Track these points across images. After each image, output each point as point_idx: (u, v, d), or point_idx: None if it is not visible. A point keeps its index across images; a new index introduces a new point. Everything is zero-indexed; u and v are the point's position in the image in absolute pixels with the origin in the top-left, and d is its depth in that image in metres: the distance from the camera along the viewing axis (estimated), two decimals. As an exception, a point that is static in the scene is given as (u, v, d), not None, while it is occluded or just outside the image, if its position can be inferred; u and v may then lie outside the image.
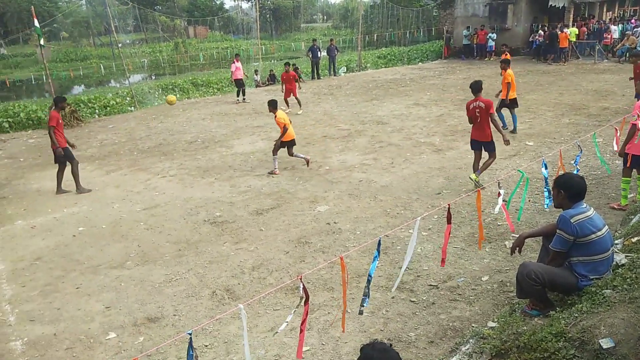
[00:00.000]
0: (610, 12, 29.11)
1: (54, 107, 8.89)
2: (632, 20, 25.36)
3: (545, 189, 3.77)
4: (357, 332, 4.47)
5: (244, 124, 13.86)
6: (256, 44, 25.75)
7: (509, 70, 10.85)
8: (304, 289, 2.65)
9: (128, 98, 18.03)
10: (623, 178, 6.57)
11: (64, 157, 8.81)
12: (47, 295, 5.58)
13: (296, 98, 15.26)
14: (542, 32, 24.01)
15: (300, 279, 2.63)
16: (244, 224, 7.09)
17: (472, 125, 7.86)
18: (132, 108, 17.57)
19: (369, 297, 3.58)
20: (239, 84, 17.61)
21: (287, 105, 15.30)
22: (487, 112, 7.55)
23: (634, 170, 6.49)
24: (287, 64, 15.96)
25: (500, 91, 11.17)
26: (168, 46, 37.86)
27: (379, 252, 3.15)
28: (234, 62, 17.80)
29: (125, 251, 6.52)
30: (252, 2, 50.44)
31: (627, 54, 21.52)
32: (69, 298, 5.47)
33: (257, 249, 6.30)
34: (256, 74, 22.27)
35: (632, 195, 6.63)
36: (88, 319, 5.05)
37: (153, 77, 26.86)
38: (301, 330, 2.96)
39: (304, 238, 6.49)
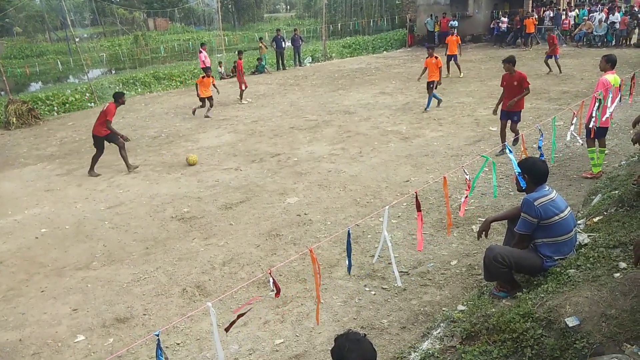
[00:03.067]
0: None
1: (113, 101, 9.34)
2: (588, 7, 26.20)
3: (517, 172, 3.84)
4: (330, 321, 4.48)
5: (209, 117, 13.64)
6: (219, 35, 25.29)
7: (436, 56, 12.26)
8: (274, 282, 2.63)
9: (88, 94, 17.46)
10: (588, 149, 6.93)
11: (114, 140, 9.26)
12: (10, 300, 5.38)
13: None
14: (505, 19, 24.46)
15: (270, 273, 2.61)
16: (212, 219, 7.00)
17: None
18: (92, 104, 17.03)
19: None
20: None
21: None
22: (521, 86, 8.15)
23: (597, 140, 6.89)
24: (239, 51, 16.75)
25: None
26: (127, 39, 36.76)
27: (349, 243, 3.15)
28: (201, 52, 18.10)
29: (91, 251, 6.35)
30: (213, -7, 49.56)
31: (585, 39, 22.23)
32: (33, 302, 5.30)
33: (227, 243, 6.24)
34: (220, 66, 21.94)
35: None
36: (55, 322, 4.90)
37: (113, 72, 26.04)
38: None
39: (275, 231, 6.46)
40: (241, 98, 15.59)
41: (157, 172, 9.30)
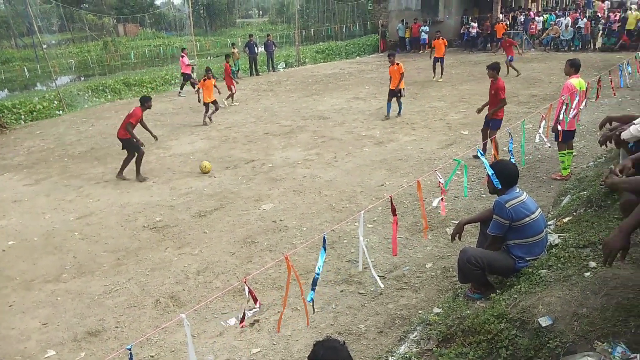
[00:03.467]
0: (535, 4, 30.68)
1: (140, 105, 9.24)
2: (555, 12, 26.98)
3: (491, 173, 3.89)
4: (307, 329, 4.45)
5: (181, 124, 13.48)
6: (190, 40, 25.03)
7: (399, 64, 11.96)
8: (250, 291, 2.59)
9: (56, 102, 17.04)
10: (559, 152, 7.11)
11: (134, 147, 9.13)
12: (-26, 317, 5.18)
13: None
14: (475, 25, 24.91)
15: (245, 282, 2.57)
16: (186, 228, 6.89)
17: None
18: (61, 112, 16.63)
19: (314, 292, 3.56)
20: (187, 77, 18.22)
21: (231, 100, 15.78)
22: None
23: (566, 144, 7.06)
24: (227, 55, 16.57)
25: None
26: (96, 45, 36.05)
27: (324, 248, 3.13)
28: (182, 56, 18.32)
29: (60, 263, 6.17)
30: (184, -2, 49.14)
31: (552, 43, 22.84)
32: (1, 317, 5.11)
33: (201, 252, 6.15)
34: (192, 72, 21.72)
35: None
36: (24, 337, 4.74)
37: (82, 79, 25.51)
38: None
39: (250, 238, 6.40)
40: (232, 100, 15.74)
41: (128, 180, 9.11)
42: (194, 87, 17.26)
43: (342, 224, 6.21)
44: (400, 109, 12.34)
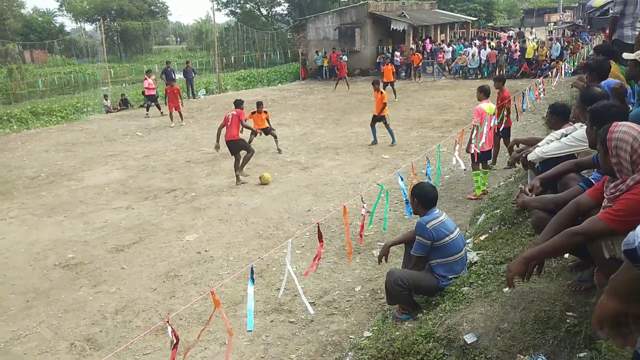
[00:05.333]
0: (443, 34, 32.78)
1: (236, 107, 9.82)
2: (462, 40, 28.96)
3: (405, 199, 4.02)
4: (237, 363, 4.29)
5: (94, 154, 12.78)
6: (104, 67, 24.06)
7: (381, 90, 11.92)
8: (173, 331, 2.44)
9: (-47, 132, 15.60)
10: (473, 172, 7.52)
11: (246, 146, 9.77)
12: None
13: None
14: (398, 54, 25.98)
15: (168, 321, 2.42)
16: (102, 264, 6.46)
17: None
18: (-41, 143, 15.21)
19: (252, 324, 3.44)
20: (152, 99, 18.57)
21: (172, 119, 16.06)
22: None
23: (480, 164, 7.55)
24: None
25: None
26: (1, 73, 33.65)
27: (252, 280, 3.05)
28: (146, 79, 18.61)
29: (-44, 312, 5.53)
30: (96, 24, 47.30)
31: (461, 71, 24.43)
32: None
33: (119, 289, 5.77)
34: (106, 99, 20.84)
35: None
36: None
37: (-16, 108, 23.62)
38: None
39: (173, 271, 6.12)
40: (181, 118, 16.25)
41: (37, 215, 8.44)
42: (159, 109, 18.11)
43: (270, 252, 6.12)
44: (392, 137, 11.82)
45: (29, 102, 23.19)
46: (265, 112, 12.02)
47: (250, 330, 3.44)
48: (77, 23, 55.96)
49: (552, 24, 38.91)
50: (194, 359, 4.40)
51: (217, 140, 9.57)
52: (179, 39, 76.57)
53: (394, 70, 18.78)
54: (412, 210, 4.26)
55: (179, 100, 16.33)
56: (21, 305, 5.58)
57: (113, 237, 7.31)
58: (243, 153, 9.66)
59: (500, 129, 8.55)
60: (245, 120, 9.80)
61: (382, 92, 11.80)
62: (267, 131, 11.92)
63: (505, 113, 8.50)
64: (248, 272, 3.14)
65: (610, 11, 7.20)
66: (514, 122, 12.21)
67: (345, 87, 22.60)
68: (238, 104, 10.01)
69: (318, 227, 3.81)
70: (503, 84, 8.89)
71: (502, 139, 8.95)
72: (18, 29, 47.75)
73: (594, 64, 4.95)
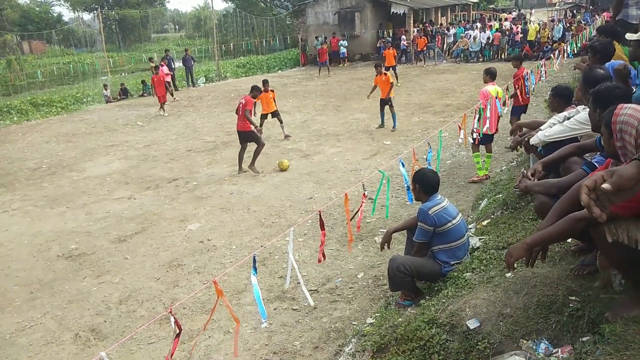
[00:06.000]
0: (444, 17, 32.45)
1: (249, 93, 9.49)
2: (463, 23, 28.66)
3: (406, 185, 3.99)
4: (241, 351, 4.30)
5: (95, 144, 12.76)
6: (102, 57, 23.94)
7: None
8: (176, 322, 2.45)
9: (-47, 125, 15.60)
10: (473, 154, 7.48)
11: (256, 138, 9.42)
12: None
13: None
14: (404, 38, 25.75)
15: (171, 311, 2.42)
16: (105, 255, 6.48)
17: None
18: (-41, 136, 15.21)
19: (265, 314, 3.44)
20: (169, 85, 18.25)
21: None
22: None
23: (482, 146, 7.50)
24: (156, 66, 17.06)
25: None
26: None
27: (255, 269, 3.05)
28: (162, 65, 18.46)
29: (-39, 304, 5.56)
30: (94, 13, 46.94)
31: (462, 55, 24.22)
32: None
33: (122, 279, 5.79)
34: (105, 89, 20.78)
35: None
36: None
37: (-17, 100, 23.60)
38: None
39: (176, 261, 6.13)
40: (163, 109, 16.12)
41: (39, 207, 8.46)
42: (172, 95, 18.08)
43: (273, 241, 6.12)
44: (394, 121, 11.76)
45: (28, 93, 23.14)
46: (272, 91, 11.80)
47: (265, 319, 3.45)
48: (74, 12, 55.64)
49: (556, 4, 38.46)
50: (199, 347, 4.42)
51: (254, 125, 9.41)
52: (177, 26, 76.07)
53: (395, 54, 18.63)
54: (413, 197, 4.25)
55: (166, 90, 16.34)
56: (25, 297, 5.60)
57: (115, 228, 7.32)
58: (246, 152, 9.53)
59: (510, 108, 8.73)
60: (250, 112, 9.29)
61: (385, 74, 11.79)
62: (276, 114, 11.81)
63: (518, 91, 8.60)
64: (250, 260, 3.14)
65: None
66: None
67: (345, 73, 22.44)
68: (252, 89, 9.58)
69: (320, 214, 3.80)
70: (521, 63, 9.10)
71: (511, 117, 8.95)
72: (15, 19, 47.47)
73: (599, 45, 4.89)
